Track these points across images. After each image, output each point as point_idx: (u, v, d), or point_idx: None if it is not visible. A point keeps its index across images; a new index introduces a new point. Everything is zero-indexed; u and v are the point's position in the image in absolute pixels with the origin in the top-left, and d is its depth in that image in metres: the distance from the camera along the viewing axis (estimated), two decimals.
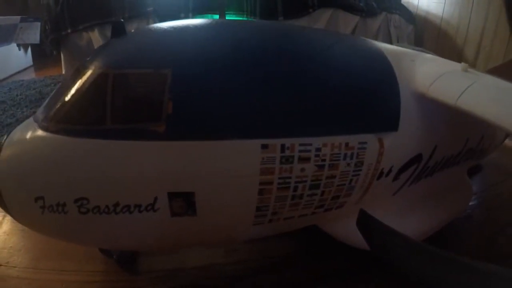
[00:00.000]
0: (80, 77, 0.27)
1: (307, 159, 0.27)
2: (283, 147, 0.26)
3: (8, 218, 0.54)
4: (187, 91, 0.25)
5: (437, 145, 0.37)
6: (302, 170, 0.27)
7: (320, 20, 1.65)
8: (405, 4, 2.27)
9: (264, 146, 0.25)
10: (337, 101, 0.29)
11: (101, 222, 0.26)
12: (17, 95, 1.24)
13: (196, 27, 0.32)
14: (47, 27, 2.05)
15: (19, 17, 1.89)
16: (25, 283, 0.43)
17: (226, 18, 1.52)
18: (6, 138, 0.29)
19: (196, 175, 0.25)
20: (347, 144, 0.28)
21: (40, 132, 0.27)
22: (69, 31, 1.41)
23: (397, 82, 0.32)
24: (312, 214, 0.32)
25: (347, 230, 0.30)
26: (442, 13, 2.05)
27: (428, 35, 2.14)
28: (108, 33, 1.00)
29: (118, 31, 0.30)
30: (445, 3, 2.01)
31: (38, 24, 1.94)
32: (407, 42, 2.02)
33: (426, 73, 0.34)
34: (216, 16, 1.52)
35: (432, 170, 0.41)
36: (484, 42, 1.79)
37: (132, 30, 0.31)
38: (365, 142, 0.29)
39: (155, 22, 1.43)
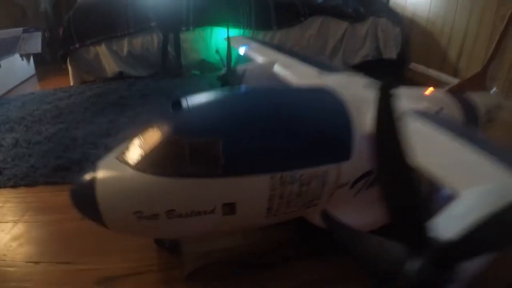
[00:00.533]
0: (161, 139, 0.45)
1: (294, 182, 0.48)
2: (281, 177, 0.47)
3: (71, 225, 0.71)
4: (232, 150, 0.45)
5: None
6: (291, 187, 0.49)
7: (312, 27, 1.82)
8: (393, 6, 2.46)
9: (271, 177, 0.47)
10: (311, 148, 0.49)
11: (181, 222, 0.46)
12: (34, 110, 1.31)
13: (229, 99, 0.52)
14: (46, 35, 2.19)
15: (21, 28, 2.03)
16: (94, 272, 0.61)
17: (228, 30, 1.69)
18: (94, 174, 0.46)
19: (237, 194, 0.47)
20: (317, 172, 0.49)
21: (137, 173, 0.44)
22: (77, 46, 1.56)
23: (352, 128, 0.51)
24: (299, 210, 0.53)
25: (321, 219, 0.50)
26: (428, 15, 2.24)
27: (414, 36, 2.33)
28: (115, 47, 1.17)
29: (177, 106, 0.48)
30: (430, 4, 2.21)
31: (39, 33, 2.08)
32: (393, 43, 2.19)
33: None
34: (216, 28, 1.68)
35: None
36: (467, 43, 1.98)
37: (186, 104, 0.49)
38: (328, 170, 0.50)
39: (158, 36, 1.56)
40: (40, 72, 2.03)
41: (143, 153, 0.45)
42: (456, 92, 0.95)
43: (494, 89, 1.28)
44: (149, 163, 0.44)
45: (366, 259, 0.34)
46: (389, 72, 2.04)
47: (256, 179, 0.47)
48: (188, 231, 0.50)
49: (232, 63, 0.99)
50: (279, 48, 1.13)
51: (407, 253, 0.30)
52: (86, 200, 0.46)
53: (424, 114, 0.54)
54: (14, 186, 0.86)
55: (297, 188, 0.49)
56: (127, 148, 0.47)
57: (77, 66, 1.64)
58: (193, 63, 1.70)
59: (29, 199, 0.83)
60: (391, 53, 2.12)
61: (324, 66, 0.85)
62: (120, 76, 1.62)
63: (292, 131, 0.48)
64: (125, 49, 1.57)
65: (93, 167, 0.47)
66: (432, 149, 0.46)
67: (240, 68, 0.86)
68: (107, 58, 1.58)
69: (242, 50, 1.13)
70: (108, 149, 0.59)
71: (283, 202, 0.50)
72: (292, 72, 0.78)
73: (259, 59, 0.99)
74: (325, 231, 0.52)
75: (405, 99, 0.59)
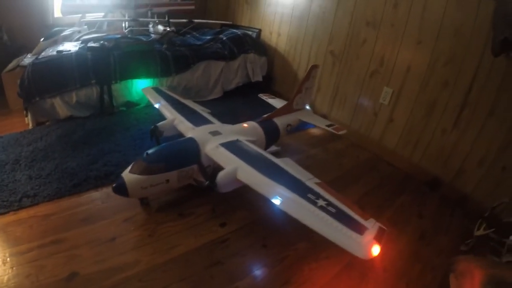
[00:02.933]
0: (143, 165, 1.53)
1: (185, 171, 1.64)
2: (181, 170, 1.63)
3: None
4: (167, 165, 1.59)
5: None
6: (184, 173, 1.64)
7: (198, 70, 2.96)
8: (262, 40, 3.64)
9: (178, 171, 1.62)
10: (187, 160, 1.65)
11: (154, 188, 1.59)
12: (20, 152, 2.01)
13: (162, 148, 1.64)
14: None
15: None
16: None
17: (140, 81, 2.79)
18: (123, 179, 1.52)
19: (169, 176, 1.61)
20: (191, 168, 1.66)
21: (138, 176, 1.52)
22: (37, 99, 2.41)
23: (200, 152, 1.68)
24: (188, 180, 1.71)
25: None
26: (285, 46, 3.47)
27: (277, 60, 3.58)
28: (66, 98, 2.42)
29: (147, 153, 1.58)
30: (287, 38, 3.42)
31: None
32: (260, 70, 3.46)
33: (210, 146, 1.76)
34: (135, 80, 2.77)
35: None
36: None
37: (150, 152, 1.57)
38: (193, 166, 1.66)
39: (97, 89, 2.59)
40: None
41: (139, 169, 1.53)
42: (265, 120, 2.18)
43: (307, 106, 2.60)
44: (142, 171, 1.52)
45: (202, 186, 1.54)
46: (257, 90, 3.25)
47: (174, 171, 1.59)
48: (156, 192, 1.60)
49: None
50: (177, 103, 2.28)
51: (207, 181, 1.50)
52: (121, 189, 1.52)
53: (225, 144, 1.70)
54: (49, 200, 1.74)
55: (186, 173, 1.62)
56: (131, 168, 1.56)
57: (36, 112, 2.48)
58: (120, 104, 2.73)
59: (65, 205, 1.73)
60: (258, 77, 3.40)
61: (197, 120, 2.06)
62: (69, 117, 2.56)
63: (183, 156, 1.62)
64: (74, 99, 2.49)
65: (121, 177, 1.53)
66: (221, 156, 1.65)
67: (160, 124, 2.02)
68: (60, 106, 2.48)
69: (156, 105, 2.29)
70: (100, 171, 1.75)
71: (183, 178, 1.62)
72: (182, 127, 1.95)
73: (166, 114, 2.15)
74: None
75: (225, 135, 1.84)
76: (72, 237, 1.54)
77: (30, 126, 2.52)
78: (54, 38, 2.92)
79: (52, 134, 2.37)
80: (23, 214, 1.66)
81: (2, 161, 2.01)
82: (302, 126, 2.77)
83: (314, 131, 2.97)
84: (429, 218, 2.02)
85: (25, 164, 2.01)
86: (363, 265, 1.58)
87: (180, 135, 1.95)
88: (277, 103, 2.61)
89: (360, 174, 2.42)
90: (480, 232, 1.74)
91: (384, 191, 2.24)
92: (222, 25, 3.90)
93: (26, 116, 2.52)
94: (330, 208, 1.35)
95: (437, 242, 1.83)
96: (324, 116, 3.01)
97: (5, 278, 1.31)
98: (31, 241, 1.50)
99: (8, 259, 1.40)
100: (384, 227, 1.31)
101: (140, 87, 2.68)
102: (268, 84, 3.58)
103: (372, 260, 1.57)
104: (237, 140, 1.82)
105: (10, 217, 1.62)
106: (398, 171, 2.49)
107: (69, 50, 2.65)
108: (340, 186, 2.18)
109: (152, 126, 1.97)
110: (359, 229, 1.28)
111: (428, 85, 2.27)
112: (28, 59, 2.75)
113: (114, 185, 1.58)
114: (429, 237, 1.86)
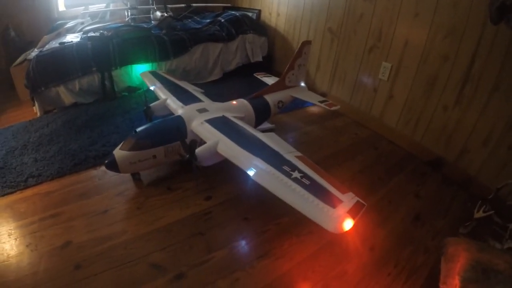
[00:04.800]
0: (132, 141, 1.65)
1: (170, 147, 1.73)
2: (167, 146, 1.73)
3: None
4: (152, 141, 1.70)
5: None
6: (170, 149, 1.73)
7: (196, 52, 3.06)
8: (262, 21, 3.69)
9: (164, 147, 1.73)
10: (174, 136, 1.70)
11: (142, 163, 1.71)
12: (29, 138, 2.27)
13: (151, 126, 1.76)
14: None
15: None
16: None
17: (140, 66, 2.91)
18: (113, 156, 1.66)
19: (156, 152, 1.73)
20: (176, 143, 1.72)
21: (127, 152, 1.65)
22: (43, 89, 2.58)
23: (186, 128, 1.78)
24: (174, 156, 1.76)
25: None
26: (284, 26, 3.50)
27: (277, 40, 3.63)
28: (70, 86, 2.55)
29: (135, 131, 1.71)
30: (286, 18, 3.47)
31: None
32: (260, 50, 3.52)
33: (195, 123, 1.85)
34: (134, 65, 2.90)
35: None
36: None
37: (138, 129, 1.70)
38: (178, 143, 1.71)
39: (98, 76, 2.74)
40: None
41: (128, 146, 1.65)
42: (254, 97, 2.22)
43: (302, 83, 2.65)
44: (131, 148, 1.64)
45: (184, 160, 1.59)
46: (258, 70, 3.32)
47: (160, 147, 1.70)
48: (145, 167, 1.73)
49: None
50: (171, 84, 2.38)
51: (187, 156, 1.56)
52: (112, 164, 1.65)
53: (210, 120, 1.80)
54: (52, 179, 1.91)
55: (172, 149, 1.73)
56: (121, 145, 1.68)
57: (42, 101, 2.66)
58: (122, 89, 2.87)
59: (66, 183, 1.90)
60: (258, 57, 3.46)
61: (188, 99, 2.16)
62: (74, 104, 2.75)
63: (169, 132, 1.72)
64: (77, 87, 2.65)
65: (112, 154, 1.67)
66: (205, 131, 1.74)
67: (152, 105, 2.14)
68: (65, 94, 2.64)
69: (152, 88, 2.40)
70: (98, 151, 1.88)
71: (170, 153, 1.73)
72: (173, 106, 2.05)
73: (160, 96, 2.27)
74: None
75: (212, 111, 1.94)
76: (69, 211, 1.69)
77: (38, 114, 2.70)
78: (58, 31, 3.07)
79: (58, 121, 2.53)
80: (28, 192, 1.83)
81: (12, 147, 2.19)
82: (301, 104, 2.82)
83: (314, 109, 3.01)
84: (428, 199, 1.95)
85: (32, 148, 2.19)
86: (347, 242, 1.59)
87: (172, 114, 2.05)
88: (272, 81, 2.65)
89: (358, 151, 2.39)
90: (480, 214, 1.63)
91: (381, 169, 2.19)
92: (224, 7, 3.95)
93: (34, 105, 2.71)
94: (304, 180, 1.35)
95: (433, 224, 1.76)
96: (324, 94, 3.03)
97: (9, 248, 1.48)
98: (34, 215, 1.66)
99: (12, 231, 1.56)
100: (363, 202, 1.27)
101: (140, 72, 2.80)
102: (269, 64, 3.63)
103: (348, 235, 1.61)
104: (223, 116, 1.89)
105: (17, 196, 1.80)
106: (399, 150, 2.44)
107: (71, 41, 2.80)
108: (334, 162, 2.23)
109: (145, 107, 2.08)
110: (333, 202, 1.25)
111: (427, 60, 2.21)
112: (34, 52, 2.91)
113: (106, 161, 1.71)
114: (425, 218, 1.80)
